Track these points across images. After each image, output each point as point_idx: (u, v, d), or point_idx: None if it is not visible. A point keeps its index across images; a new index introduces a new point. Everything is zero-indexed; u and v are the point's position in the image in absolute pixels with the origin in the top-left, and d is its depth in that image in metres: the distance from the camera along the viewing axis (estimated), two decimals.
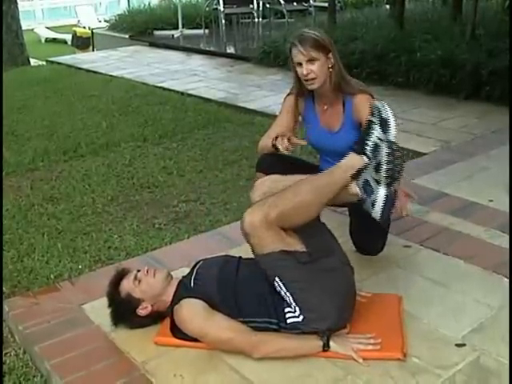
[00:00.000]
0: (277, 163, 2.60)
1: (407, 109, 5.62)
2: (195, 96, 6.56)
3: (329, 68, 2.62)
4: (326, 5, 8.83)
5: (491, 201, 3.42)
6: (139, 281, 2.29)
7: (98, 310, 2.45)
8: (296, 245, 2.16)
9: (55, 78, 7.98)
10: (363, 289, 2.49)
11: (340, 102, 2.71)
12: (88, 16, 19.80)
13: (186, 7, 11.80)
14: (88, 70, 8.45)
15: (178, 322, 2.20)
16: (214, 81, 7.39)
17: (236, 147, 4.80)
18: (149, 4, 12.90)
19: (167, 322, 2.28)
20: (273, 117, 3.28)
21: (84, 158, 4.74)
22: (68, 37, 17.45)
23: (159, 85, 7.19)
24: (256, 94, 6.57)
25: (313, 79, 2.61)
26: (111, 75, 7.96)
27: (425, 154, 4.39)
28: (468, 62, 5.76)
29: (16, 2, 10.82)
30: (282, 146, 2.56)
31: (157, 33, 11.09)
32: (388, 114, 2.17)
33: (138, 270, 2.34)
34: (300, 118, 2.90)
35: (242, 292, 2.21)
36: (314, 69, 2.58)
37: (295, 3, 10.51)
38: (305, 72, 2.59)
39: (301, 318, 2.11)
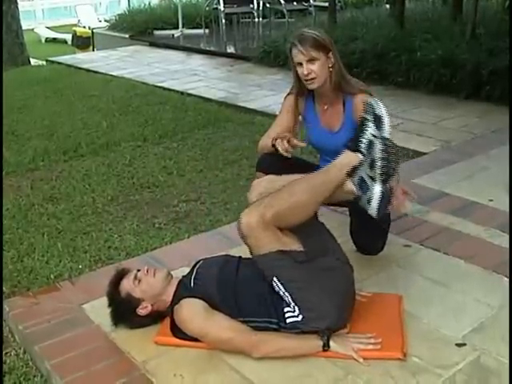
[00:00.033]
0: (277, 163, 2.59)
1: (407, 108, 5.62)
2: (195, 96, 6.56)
3: (329, 68, 2.62)
4: (327, 4, 8.83)
5: (491, 200, 3.42)
6: (139, 280, 2.29)
7: (98, 310, 2.45)
8: (293, 244, 2.16)
9: (55, 77, 7.98)
10: (363, 288, 2.49)
11: (340, 102, 2.71)
12: (88, 16, 19.80)
13: (186, 7, 11.80)
14: (88, 70, 8.46)
15: (178, 322, 2.19)
16: (214, 80, 7.39)
17: (236, 147, 4.80)
18: (149, 4, 12.90)
19: (167, 321, 2.28)
20: (273, 116, 3.28)
21: (84, 157, 4.74)
22: (68, 37, 17.47)
23: (159, 84, 7.20)
24: (256, 94, 6.57)
25: (313, 79, 2.61)
26: (111, 75, 7.96)
27: (425, 153, 4.39)
28: (468, 62, 5.75)
29: (16, 2, 10.83)
30: (282, 147, 2.56)
31: (157, 32, 11.09)
32: (381, 110, 2.16)
33: (138, 270, 2.34)
34: (300, 118, 2.90)
35: (242, 292, 2.21)
36: (315, 69, 2.58)
37: (295, 3, 10.51)
38: (305, 72, 2.59)
39: (300, 317, 2.11)
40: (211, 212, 3.63)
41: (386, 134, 2.14)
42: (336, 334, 2.16)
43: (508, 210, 3.22)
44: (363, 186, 2.17)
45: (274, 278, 2.12)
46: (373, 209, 2.16)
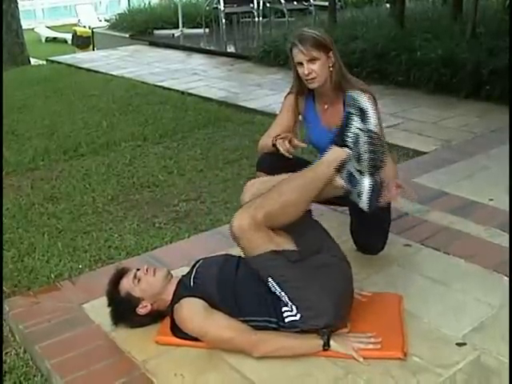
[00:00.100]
0: (277, 162, 2.59)
1: (407, 108, 5.62)
2: (195, 95, 6.56)
3: (329, 67, 2.62)
4: (327, 4, 8.82)
5: (491, 200, 3.42)
6: (139, 279, 2.29)
7: (99, 310, 2.44)
8: (286, 244, 2.16)
9: (55, 77, 7.98)
10: (364, 288, 2.49)
11: (340, 101, 2.70)
12: (88, 15, 19.81)
13: (187, 6, 11.80)
14: (88, 70, 8.46)
15: (178, 322, 2.19)
16: (215, 80, 7.39)
17: (236, 146, 4.80)
18: (149, 3, 12.91)
19: (167, 321, 2.28)
20: (273, 116, 3.28)
21: (84, 157, 4.74)
22: (68, 36, 17.47)
23: (159, 84, 7.19)
24: (256, 93, 6.57)
25: (314, 78, 2.61)
26: (111, 74, 7.96)
27: (425, 152, 4.39)
28: (468, 61, 5.75)
29: (16, 2, 10.84)
30: (283, 148, 2.56)
31: (157, 32, 11.09)
32: (365, 103, 2.15)
33: (138, 269, 2.34)
34: (300, 118, 2.90)
35: (242, 291, 2.21)
36: (315, 68, 2.58)
37: (295, 2, 10.51)
38: (306, 72, 2.59)
39: (298, 316, 2.11)
40: (211, 211, 3.63)
41: (372, 127, 2.13)
42: (336, 333, 2.15)
43: (508, 209, 3.22)
44: (352, 180, 2.17)
45: (269, 279, 2.12)
46: (364, 202, 2.16)
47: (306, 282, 2.12)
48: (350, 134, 2.16)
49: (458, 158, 4.17)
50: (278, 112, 2.91)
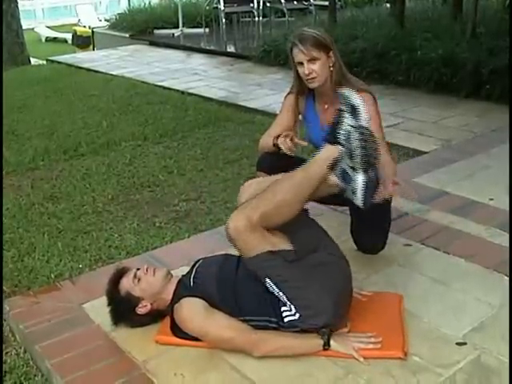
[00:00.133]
0: (277, 162, 2.59)
1: (408, 107, 5.62)
2: (196, 95, 6.55)
3: (330, 67, 2.62)
4: (327, 3, 8.83)
5: (492, 199, 3.42)
6: (139, 279, 2.29)
7: (99, 309, 2.44)
8: (282, 244, 2.16)
9: (55, 77, 7.98)
10: (364, 288, 2.49)
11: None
12: (88, 15, 19.81)
13: (187, 6, 11.80)
14: (88, 69, 8.46)
15: (179, 321, 2.19)
16: (215, 80, 7.39)
17: (236, 146, 4.80)
18: (149, 3, 12.91)
19: (167, 320, 2.28)
20: (273, 116, 3.28)
21: (84, 157, 4.74)
22: (68, 36, 17.46)
23: (159, 84, 7.19)
24: (256, 93, 6.57)
25: (314, 78, 2.61)
26: (111, 74, 7.96)
27: (425, 152, 4.39)
28: (468, 61, 5.75)
29: (16, 1, 10.84)
30: (285, 146, 2.55)
31: (157, 32, 11.09)
32: (357, 100, 2.14)
33: (138, 269, 2.34)
34: (300, 117, 2.90)
35: (242, 291, 2.21)
36: (316, 68, 2.58)
37: (295, 2, 10.52)
38: (306, 71, 2.59)
39: (297, 315, 2.10)
40: (211, 211, 3.63)
41: (363, 123, 2.12)
42: (336, 333, 2.15)
43: (508, 208, 3.22)
44: (346, 177, 2.16)
45: (267, 279, 2.11)
46: (358, 199, 2.15)
47: (304, 281, 2.11)
48: (341, 132, 2.14)
49: (459, 158, 4.17)
50: (278, 112, 2.91)
